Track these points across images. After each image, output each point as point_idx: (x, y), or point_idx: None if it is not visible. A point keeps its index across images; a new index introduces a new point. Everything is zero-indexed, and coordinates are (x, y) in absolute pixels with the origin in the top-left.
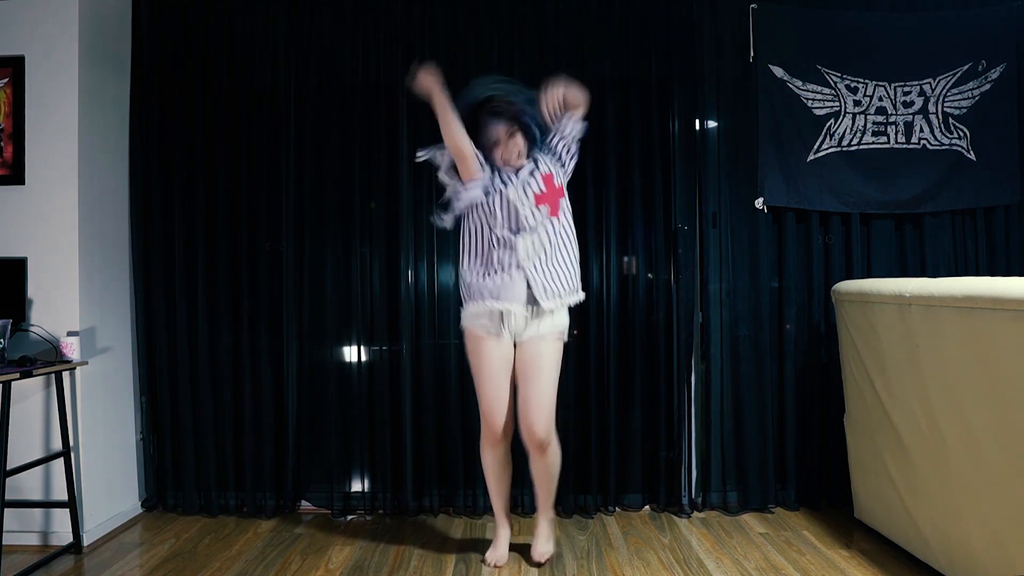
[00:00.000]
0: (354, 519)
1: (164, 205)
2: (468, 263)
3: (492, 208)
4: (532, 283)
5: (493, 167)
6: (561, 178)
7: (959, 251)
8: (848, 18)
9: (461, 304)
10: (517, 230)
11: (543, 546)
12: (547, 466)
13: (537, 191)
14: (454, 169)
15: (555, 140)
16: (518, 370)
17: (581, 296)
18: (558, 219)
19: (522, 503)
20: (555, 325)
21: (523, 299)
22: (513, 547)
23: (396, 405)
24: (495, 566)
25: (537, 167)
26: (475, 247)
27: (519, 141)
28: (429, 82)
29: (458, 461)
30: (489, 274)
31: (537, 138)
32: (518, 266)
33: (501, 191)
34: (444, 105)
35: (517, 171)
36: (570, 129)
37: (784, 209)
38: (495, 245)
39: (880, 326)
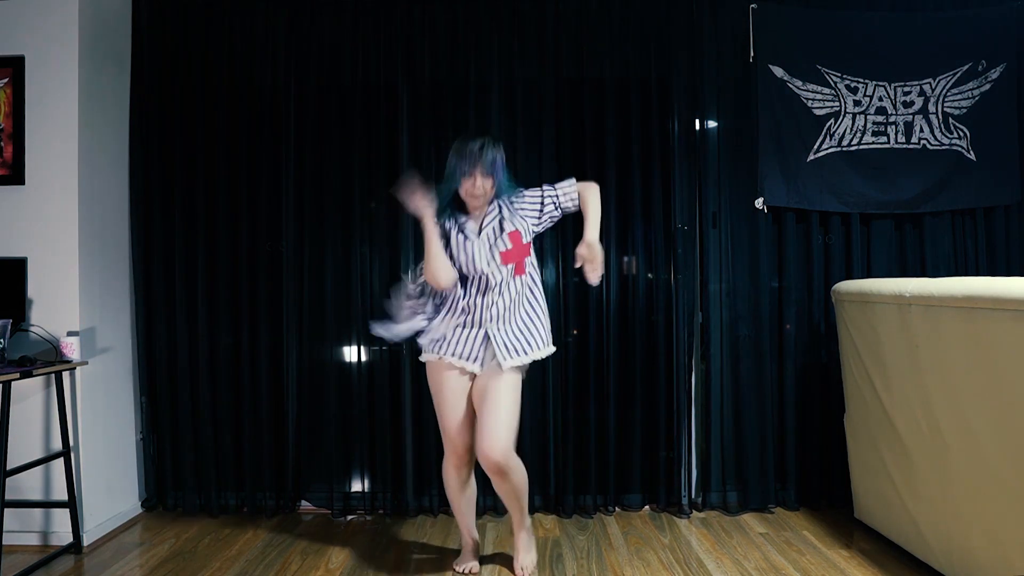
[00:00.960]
0: (354, 519)
1: (164, 205)
2: (441, 314)
3: (457, 264)
4: (494, 342)
5: (454, 216)
6: (529, 235)
7: (959, 251)
8: (848, 18)
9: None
10: (484, 287)
11: (524, 558)
12: (511, 489)
13: (503, 248)
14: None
15: (546, 207)
16: (475, 397)
17: (551, 350)
18: (523, 278)
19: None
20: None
21: (482, 357)
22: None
23: (396, 405)
24: (469, 572)
25: (502, 226)
26: (448, 304)
27: (488, 187)
28: (420, 204)
29: None
30: (454, 329)
31: (500, 193)
32: (480, 325)
33: (462, 245)
34: (432, 231)
35: (480, 226)
36: (566, 209)
37: (784, 209)
38: (462, 302)
39: (880, 326)
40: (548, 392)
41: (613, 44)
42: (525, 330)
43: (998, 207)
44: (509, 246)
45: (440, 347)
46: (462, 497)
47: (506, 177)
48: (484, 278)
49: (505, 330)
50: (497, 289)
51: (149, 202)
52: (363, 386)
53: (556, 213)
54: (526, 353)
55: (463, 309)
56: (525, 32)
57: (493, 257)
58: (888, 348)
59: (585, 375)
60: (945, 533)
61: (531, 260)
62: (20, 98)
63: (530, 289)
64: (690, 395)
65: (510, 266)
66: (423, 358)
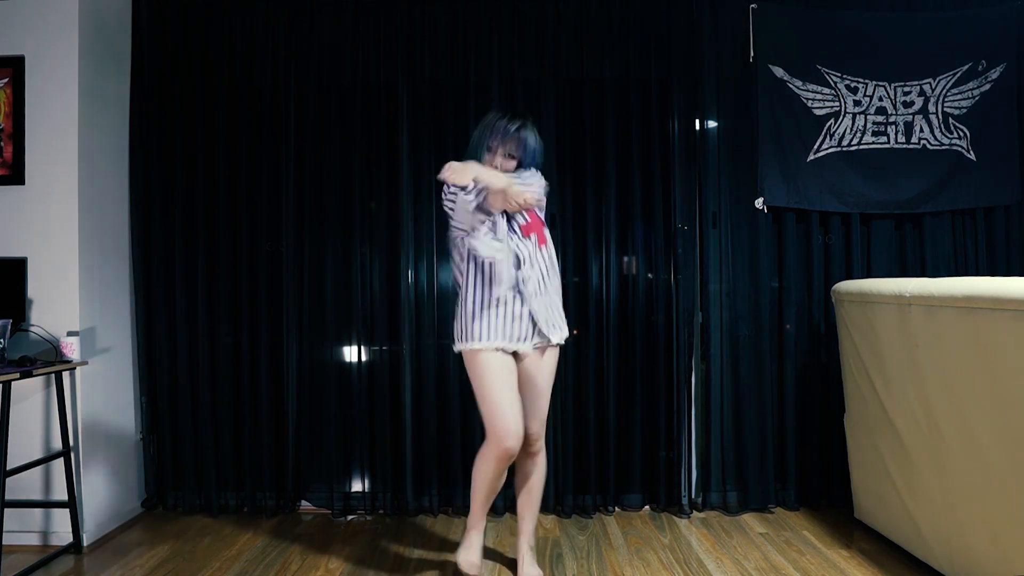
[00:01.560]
0: (354, 519)
1: (164, 205)
2: (471, 298)
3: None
4: (536, 319)
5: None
6: (541, 210)
7: (959, 251)
8: (848, 18)
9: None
10: (516, 262)
11: (529, 570)
12: (536, 472)
13: (523, 222)
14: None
15: None
16: (520, 378)
17: (566, 332)
18: (546, 247)
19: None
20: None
21: (529, 335)
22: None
23: (396, 405)
24: (469, 567)
25: None
26: (478, 283)
27: (510, 168)
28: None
29: (458, 461)
30: (492, 309)
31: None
32: (522, 302)
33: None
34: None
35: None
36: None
37: (784, 209)
38: (499, 281)
39: (880, 326)
40: None
41: (613, 44)
42: (556, 306)
43: (998, 207)
44: (527, 219)
45: (487, 334)
46: (494, 489)
47: (537, 162)
48: (514, 254)
49: (547, 305)
50: (528, 262)
51: (149, 202)
52: (363, 386)
53: None
54: (563, 329)
55: (499, 294)
56: (525, 32)
57: (515, 230)
58: (888, 348)
59: (585, 375)
60: (945, 533)
61: (548, 232)
62: (20, 98)
63: (553, 261)
64: (690, 395)
65: (534, 236)
66: (462, 347)
